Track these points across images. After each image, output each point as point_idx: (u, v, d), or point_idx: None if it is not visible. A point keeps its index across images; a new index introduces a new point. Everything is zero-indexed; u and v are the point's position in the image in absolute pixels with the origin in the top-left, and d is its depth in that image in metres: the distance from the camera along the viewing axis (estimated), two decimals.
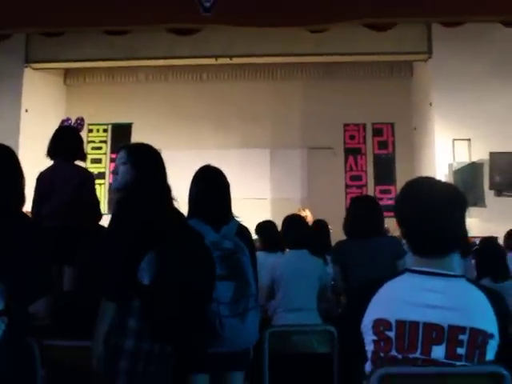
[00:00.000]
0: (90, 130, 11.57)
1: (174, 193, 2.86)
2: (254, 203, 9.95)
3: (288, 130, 11.34)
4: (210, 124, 11.33)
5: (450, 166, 9.44)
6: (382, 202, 7.20)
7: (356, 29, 9.13)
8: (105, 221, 3.73)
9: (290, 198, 10.88)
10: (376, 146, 11.49)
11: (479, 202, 8.80)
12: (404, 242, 2.80)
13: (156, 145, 2.97)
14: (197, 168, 3.27)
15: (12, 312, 2.20)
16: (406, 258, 3.72)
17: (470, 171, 9.19)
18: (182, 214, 2.89)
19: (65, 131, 4.78)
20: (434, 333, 1.86)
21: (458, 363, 1.85)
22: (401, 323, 1.90)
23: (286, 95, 11.40)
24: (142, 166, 2.82)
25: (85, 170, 5.06)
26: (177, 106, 11.42)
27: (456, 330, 1.85)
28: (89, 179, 4.80)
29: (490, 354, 1.86)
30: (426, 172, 9.49)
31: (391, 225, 6.64)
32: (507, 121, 9.28)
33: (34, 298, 2.37)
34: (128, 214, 2.69)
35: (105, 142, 11.83)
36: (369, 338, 1.96)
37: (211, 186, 3.18)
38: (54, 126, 4.97)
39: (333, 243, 5.04)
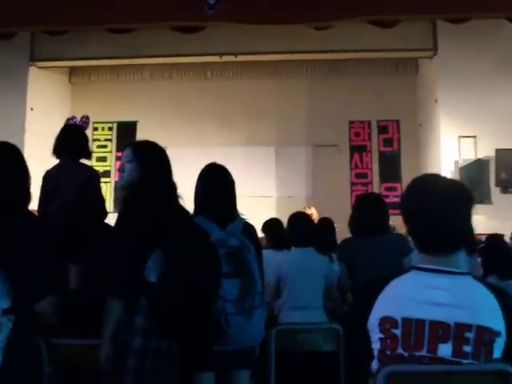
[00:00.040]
0: (95, 128, 11.57)
1: (179, 190, 2.86)
2: (259, 201, 9.94)
3: (293, 127, 11.32)
4: (215, 122, 11.32)
5: (456, 162, 9.41)
6: (387, 200, 7.17)
7: (361, 26, 9.10)
8: (110, 219, 3.74)
9: (295, 196, 10.86)
10: (381, 143, 11.46)
11: (485, 199, 8.76)
12: (410, 239, 2.80)
13: (161, 142, 2.97)
14: (202, 166, 3.28)
15: (18, 310, 2.21)
16: (411, 256, 3.72)
17: (476, 168, 9.15)
18: (187, 212, 2.89)
19: (70, 129, 4.79)
20: (440, 331, 1.85)
21: (464, 361, 1.84)
22: (407, 321, 1.89)
23: (290, 92, 11.38)
24: (148, 164, 2.82)
25: (90, 168, 5.07)
26: (181, 104, 11.41)
27: (462, 327, 1.84)
28: (94, 177, 4.81)
29: (497, 352, 1.85)
30: (432, 169, 9.45)
31: (397, 222, 6.64)
32: None
33: (40, 297, 2.37)
34: (134, 212, 2.69)
35: (110, 140, 11.84)
36: (375, 335, 1.96)
37: (217, 183, 3.18)
38: (59, 124, 4.97)
39: (338, 241, 5.03)
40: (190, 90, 11.40)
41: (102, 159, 11.62)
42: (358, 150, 11.49)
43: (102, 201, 4.84)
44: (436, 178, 2.13)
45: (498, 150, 9.13)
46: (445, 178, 2.16)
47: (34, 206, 2.94)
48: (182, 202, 2.87)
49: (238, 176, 3.34)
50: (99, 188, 4.86)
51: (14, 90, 10.10)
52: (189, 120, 11.32)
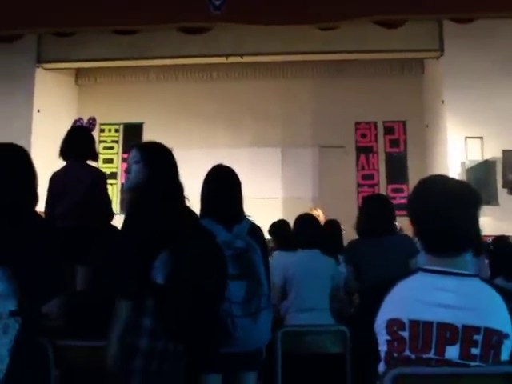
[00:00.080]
0: (102, 130, 11.58)
1: (186, 192, 2.86)
2: (265, 202, 9.93)
3: (299, 128, 11.30)
4: (221, 123, 11.32)
5: (463, 164, 9.37)
6: (394, 201, 7.17)
7: (366, 26, 9.08)
8: (117, 220, 3.74)
9: (302, 197, 10.84)
10: (388, 145, 11.42)
11: (492, 200, 8.73)
12: (417, 240, 2.78)
13: (167, 144, 2.96)
14: (208, 167, 3.27)
15: (25, 312, 2.21)
16: (418, 257, 3.70)
17: (483, 169, 9.12)
18: (194, 213, 2.89)
19: (77, 131, 4.80)
20: (448, 333, 1.85)
21: (472, 363, 1.83)
22: (414, 323, 1.89)
23: (296, 94, 11.37)
24: (155, 165, 2.82)
25: (97, 169, 5.08)
26: (187, 105, 11.41)
27: (470, 329, 1.83)
28: (101, 179, 4.82)
29: (505, 354, 1.85)
30: (439, 170, 9.43)
31: (404, 224, 6.62)
32: None
33: (46, 298, 2.37)
34: (141, 213, 2.69)
35: (116, 141, 11.84)
36: (382, 338, 1.96)
37: (223, 185, 3.18)
38: (66, 125, 4.99)
39: (345, 243, 5.03)
40: (195, 91, 11.40)
41: (109, 161, 11.63)
42: (364, 151, 11.46)
43: (109, 202, 4.85)
44: (443, 179, 2.13)
45: (504, 151, 9.09)
46: (452, 179, 2.15)
47: (40, 207, 2.93)
48: (188, 203, 2.87)
49: (244, 177, 3.34)
50: (106, 189, 4.87)
51: (21, 92, 10.12)
52: (195, 121, 11.32)
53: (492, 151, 9.17)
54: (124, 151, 11.41)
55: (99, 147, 10.53)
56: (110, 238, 4.04)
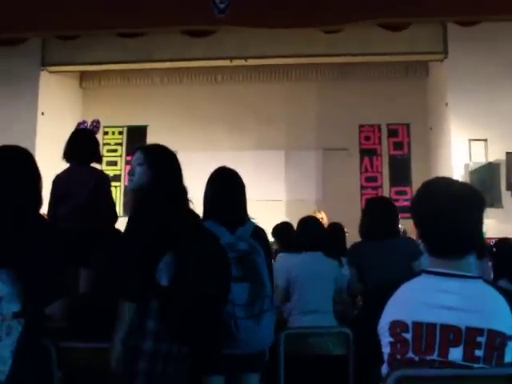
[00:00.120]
0: (106, 133, 11.61)
1: (190, 194, 2.87)
2: (268, 205, 9.94)
3: (303, 131, 11.32)
4: (225, 125, 11.34)
5: (467, 166, 9.37)
6: (397, 203, 7.15)
7: (370, 29, 9.10)
8: (121, 223, 3.75)
9: (305, 200, 10.84)
10: (391, 147, 11.42)
11: (496, 202, 8.72)
12: (420, 243, 2.78)
13: (171, 147, 2.97)
14: (212, 170, 3.28)
15: (28, 314, 2.22)
16: (421, 259, 3.70)
17: (487, 172, 9.11)
18: (197, 216, 2.89)
19: (81, 134, 4.82)
20: (451, 335, 1.84)
21: (475, 365, 1.83)
22: (418, 325, 1.88)
23: (300, 96, 11.39)
24: (159, 168, 2.83)
25: (101, 172, 5.09)
26: (192, 108, 11.43)
27: (474, 331, 1.83)
28: (105, 181, 4.82)
29: (509, 356, 1.84)
30: (442, 172, 9.41)
31: (408, 226, 6.61)
32: None
33: (50, 300, 2.38)
34: (145, 215, 2.70)
35: (120, 144, 11.87)
36: (385, 339, 1.95)
37: (227, 187, 3.18)
38: (70, 128, 5.00)
39: (348, 246, 5.02)
40: (200, 94, 11.42)
41: (113, 163, 11.66)
42: (368, 153, 11.46)
43: (113, 205, 4.85)
44: (447, 181, 2.12)
45: (508, 154, 9.09)
46: (456, 182, 2.15)
47: (43, 209, 2.94)
48: (192, 206, 2.88)
49: (248, 180, 3.34)
50: (110, 192, 4.88)
51: (26, 95, 10.17)
52: (199, 124, 11.34)
53: (496, 154, 9.16)
54: (128, 154, 11.43)
55: (103, 150, 10.55)
56: (114, 240, 4.04)
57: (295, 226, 4.70)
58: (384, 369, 1.97)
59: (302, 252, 4.34)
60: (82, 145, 4.68)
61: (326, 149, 11.37)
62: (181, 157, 2.95)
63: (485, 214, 1.99)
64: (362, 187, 11.29)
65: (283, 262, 4.46)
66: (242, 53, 9.90)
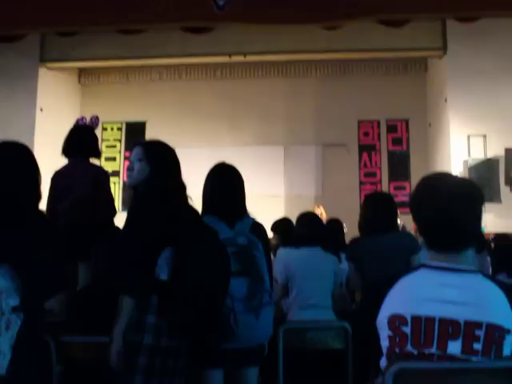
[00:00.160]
0: (105, 129, 11.61)
1: (189, 190, 2.87)
2: (267, 200, 9.95)
3: (302, 126, 11.32)
4: (224, 121, 11.33)
5: (465, 162, 9.37)
6: (396, 199, 7.15)
7: (370, 25, 9.09)
8: (120, 218, 3.75)
9: (304, 195, 10.86)
10: (390, 143, 11.43)
11: (495, 197, 8.74)
12: (418, 237, 2.78)
13: (170, 142, 2.98)
14: (211, 165, 3.28)
15: (28, 308, 2.22)
16: (420, 254, 3.71)
17: (486, 167, 9.12)
18: (196, 211, 2.90)
19: (80, 130, 4.81)
20: (450, 328, 1.85)
21: (474, 358, 1.84)
22: (416, 319, 1.89)
23: (299, 92, 11.38)
24: (158, 163, 2.83)
25: (100, 167, 5.09)
26: (190, 104, 11.43)
27: (472, 325, 1.84)
28: (104, 177, 4.82)
29: (507, 350, 1.85)
30: (441, 168, 9.41)
31: (407, 221, 6.63)
32: None
33: (49, 295, 2.38)
34: (144, 210, 2.70)
35: (119, 140, 11.87)
36: (384, 333, 1.96)
37: (226, 182, 3.18)
38: (68, 124, 4.99)
39: (347, 241, 5.03)
40: (198, 90, 11.42)
41: (111, 159, 11.66)
42: (366, 149, 11.47)
43: (112, 200, 4.85)
44: (446, 175, 2.13)
45: (507, 150, 9.11)
46: (455, 176, 2.16)
47: (42, 205, 2.94)
48: (190, 201, 2.88)
49: (247, 175, 3.34)
50: (109, 187, 4.88)
51: (24, 91, 10.15)
52: (197, 120, 11.34)
53: (495, 149, 9.18)
54: (126, 150, 11.44)
55: (102, 146, 10.56)
56: (113, 235, 4.05)
57: (294, 221, 4.70)
58: (383, 362, 1.98)
59: (300, 247, 4.34)
60: (80, 140, 4.69)
61: (325, 144, 11.38)
62: (179, 152, 2.96)
63: (483, 209, 1.99)
64: (361, 183, 11.31)
65: (282, 257, 4.45)
66: (241, 49, 9.89)
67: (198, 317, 2.59)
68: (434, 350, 1.87)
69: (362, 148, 11.46)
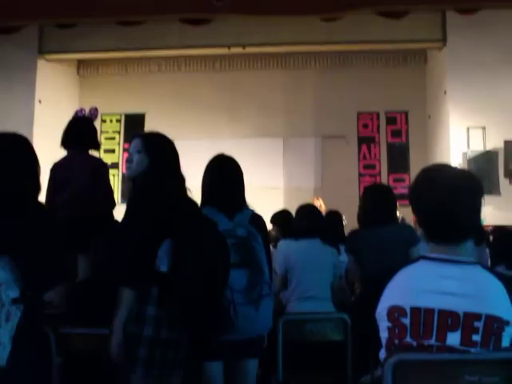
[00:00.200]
0: (104, 121, 11.60)
1: (188, 182, 2.87)
2: (267, 192, 9.95)
3: (301, 118, 11.30)
4: (223, 113, 11.31)
5: (465, 154, 9.36)
6: (395, 191, 7.15)
7: (369, 17, 9.07)
8: (119, 210, 3.75)
9: (303, 187, 10.86)
10: (390, 135, 11.42)
11: (494, 190, 8.74)
12: (417, 229, 2.78)
13: (169, 134, 2.97)
14: (210, 157, 3.27)
15: (27, 300, 2.22)
16: (419, 246, 3.71)
17: (485, 159, 9.12)
18: (195, 203, 2.90)
19: (79, 121, 4.80)
20: (449, 319, 1.85)
21: (473, 350, 1.84)
22: (416, 310, 1.89)
23: (298, 84, 11.36)
24: (157, 155, 2.83)
25: (99, 159, 5.09)
26: (189, 96, 11.40)
27: (471, 316, 1.84)
28: (103, 168, 4.82)
29: (506, 341, 1.85)
30: (441, 160, 9.35)
31: (406, 213, 6.63)
32: None
33: (48, 286, 2.38)
34: (144, 202, 2.70)
35: (118, 132, 11.86)
36: (383, 324, 1.97)
37: (225, 174, 3.18)
38: (67, 116, 4.98)
39: (346, 233, 5.03)
40: (197, 81, 11.39)
41: (110, 151, 11.65)
42: (366, 141, 11.46)
43: (111, 192, 4.86)
44: (445, 167, 2.13)
45: (506, 142, 9.10)
46: (454, 168, 2.16)
47: (41, 197, 2.94)
48: (189, 193, 2.88)
49: (246, 167, 3.33)
50: (108, 179, 4.88)
51: (23, 83, 10.12)
52: (197, 112, 11.32)
53: (494, 141, 9.17)
54: (125, 142, 11.43)
55: (101, 138, 10.54)
56: (112, 227, 4.05)
57: (293, 213, 4.70)
58: (382, 353, 1.98)
59: (300, 239, 4.34)
60: (80, 132, 4.68)
61: (324, 136, 11.36)
62: (178, 144, 2.95)
63: (483, 201, 1.99)
64: (360, 175, 11.30)
65: (282, 249, 4.46)
66: (240, 40, 9.86)
67: (198, 308, 2.59)
68: (433, 341, 1.87)
69: (362, 140, 11.45)
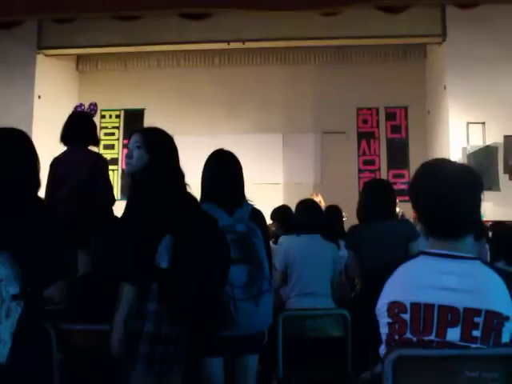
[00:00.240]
0: (103, 116, 11.58)
1: (187, 178, 2.87)
2: (266, 188, 9.95)
3: (301, 114, 11.29)
4: (222, 109, 11.29)
5: (464, 149, 9.35)
6: (395, 186, 7.15)
7: (369, 12, 9.06)
8: (119, 206, 3.75)
9: (303, 183, 10.85)
10: (389, 130, 11.41)
11: (493, 185, 8.72)
12: (417, 224, 2.77)
13: (168, 130, 2.97)
14: (209, 153, 3.27)
15: (28, 296, 2.22)
16: (419, 241, 3.71)
17: (484, 155, 9.10)
18: (195, 198, 2.90)
19: (78, 117, 4.79)
20: (449, 315, 1.85)
21: (473, 345, 1.84)
22: (416, 306, 1.89)
23: (298, 79, 11.34)
24: (157, 150, 2.83)
25: (98, 154, 5.09)
26: (189, 91, 11.38)
27: (471, 312, 1.84)
28: (102, 164, 4.81)
29: (506, 337, 1.85)
30: (440, 156, 9.31)
31: (406, 209, 6.63)
32: None
33: (48, 282, 2.38)
34: (144, 197, 2.70)
35: (117, 127, 11.85)
36: (383, 320, 1.97)
37: (224, 169, 3.17)
38: (66, 111, 4.97)
39: (346, 229, 5.03)
40: (197, 77, 11.37)
41: (110, 147, 11.63)
42: (365, 136, 11.45)
43: (111, 187, 4.85)
44: (445, 161, 2.13)
45: (506, 137, 9.09)
46: (454, 163, 2.16)
47: (41, 192, 2.94)
48: (189, 189, 2.88)
49: (246, 163, 3.33)
50: (107, 175, 4.86)
51: (22, 78, 10.09)
52: (196, 107, 11.30)
53: (494, 137, 9.15)
54: (125, 137, 11.41)
55: (100, 133, 10.52)
56: (112, 223, 4.05)
57: (293, 208, 4.70)
58: (382, 349, 1.98)
59: (299, 235, 4.34)
60: (79, 128, 4.67)
61: (323, 132, 11.35)
62: (178, 140, 2.95)
63: (482, 197, 1.99)
64: (360, 170, 11.30)
65: (283, 245, 4.46)
66: (239, 35, 9.84)
67: (198, 304, 2.59)
68: (433, 337, 1.87)
69: (361, 135, 11.44)
